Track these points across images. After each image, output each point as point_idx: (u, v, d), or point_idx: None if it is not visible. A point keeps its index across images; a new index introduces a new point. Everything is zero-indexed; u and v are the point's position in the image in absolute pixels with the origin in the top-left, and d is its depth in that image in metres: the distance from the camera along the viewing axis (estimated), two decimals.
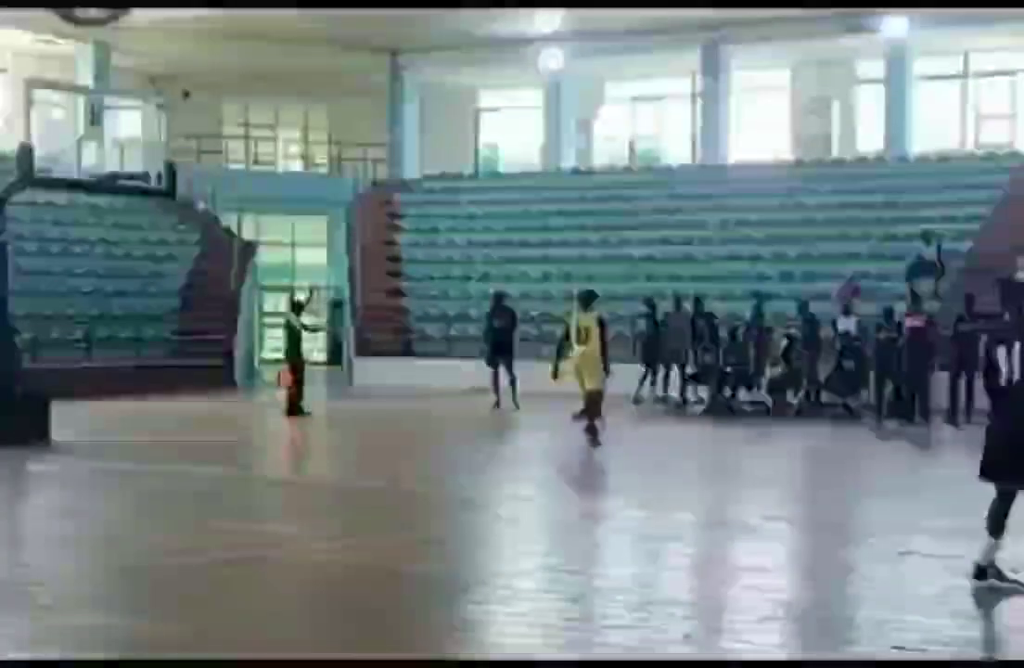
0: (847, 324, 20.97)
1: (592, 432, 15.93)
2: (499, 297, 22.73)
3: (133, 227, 29.61)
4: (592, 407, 16.08)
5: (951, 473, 14.37)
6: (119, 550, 9.52)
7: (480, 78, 35.55)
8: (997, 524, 7.98)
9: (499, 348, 21.77)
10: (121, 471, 14.05)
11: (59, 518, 11.19)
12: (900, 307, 20.74)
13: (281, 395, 20.43)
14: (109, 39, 30.99)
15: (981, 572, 7.98)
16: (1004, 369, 7.93)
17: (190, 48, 32.13)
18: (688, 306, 22.70)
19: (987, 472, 8.02)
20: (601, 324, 16.23)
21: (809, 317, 21.45)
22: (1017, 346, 7.95)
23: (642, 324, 23.21)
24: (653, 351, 22.68)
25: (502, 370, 21.63)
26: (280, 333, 35.81)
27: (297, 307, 20.88)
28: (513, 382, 21.46)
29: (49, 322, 24.39)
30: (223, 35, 31.36)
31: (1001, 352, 7.98)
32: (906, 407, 19.38)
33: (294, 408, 19.86)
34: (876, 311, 20.94)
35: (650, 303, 23.14)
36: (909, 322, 19.72)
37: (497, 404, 21.22)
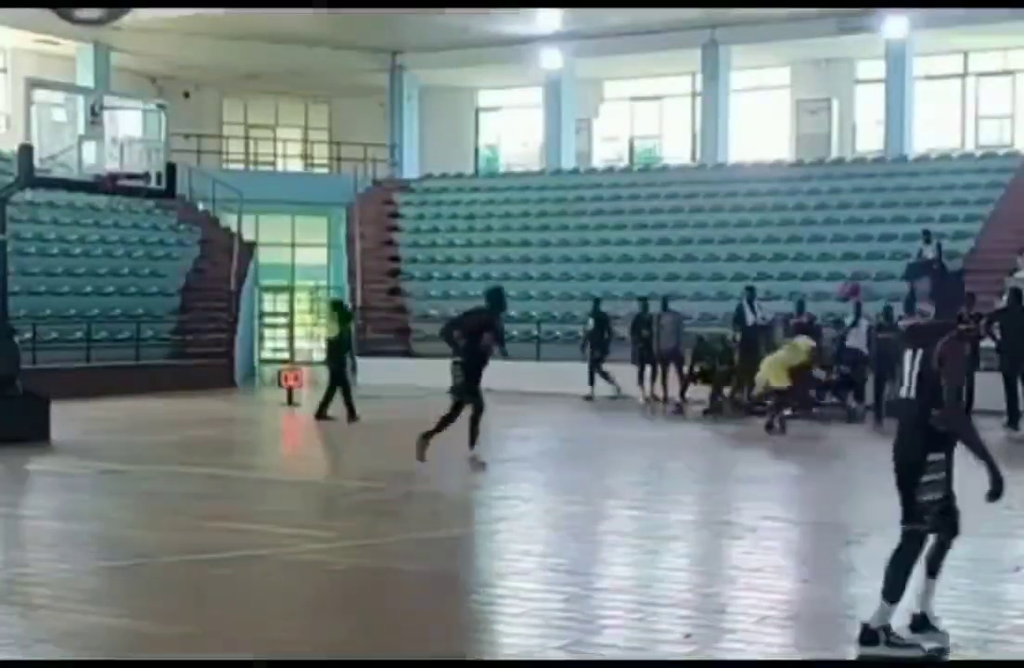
0: (858, 330, 20.68)
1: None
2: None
3: (133, 227, 29.60)
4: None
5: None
6: (119, 550, 9.52)
7: (480, 78, 35.54)
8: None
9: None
10: (121, 471, 14.04)
11: (59, 518, 11.20)
12: (899, 308, 20.75)
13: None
14: (109, 39, 30.97)
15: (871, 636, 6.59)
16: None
17: (190, 48, 32.11)
18: (674, 307, 22.87)
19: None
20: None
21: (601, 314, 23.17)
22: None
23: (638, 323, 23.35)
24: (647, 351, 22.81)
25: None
26: (280, 333, 36.38)
27: (343, 310, 20.34)
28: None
29: (49, 322, 24.38)
30: (223, 35, 31.35)
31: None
32: None
33: (323, 410, 19.32)
34: (876, 310, 20.94)
35: (644, 304, 23.26)
36: (909, 321, 19.67)
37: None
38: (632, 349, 23.15)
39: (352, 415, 19.16)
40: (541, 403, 22.81)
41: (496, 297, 14.47)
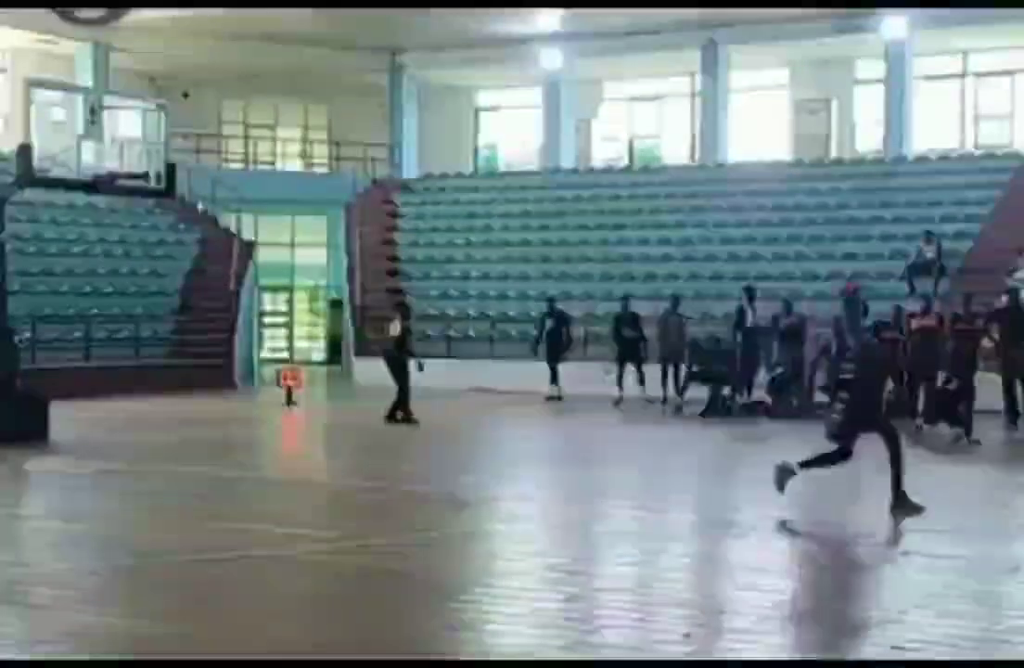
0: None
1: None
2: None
3: (133, 227, 29.59)
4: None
5: (951, 472, 14.40)
6: (119, 550, 9.52)
7: (480, 78, 35.56)
8: None
9: None
10: (120, 471, 14.04)
11: (58, 518, 11.19)
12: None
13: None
14: (109, 39, 30.98)
15: None
16: None
17: (190, 48, 32.12)
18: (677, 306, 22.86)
19: None
20: None
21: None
22: None
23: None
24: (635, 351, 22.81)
25: None
26: (280, 333, 36.38)
27: (406, 309, 20.14)
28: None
29: (49, 322, 24.36)
30: (223, 35, 31.36)
31: None
32: (906, 407, 19.31)
33: (408, 415, 18.97)
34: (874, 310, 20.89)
35: (625, 303, 23.29)
36: (921, 321, 19.65)
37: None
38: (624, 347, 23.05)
39: (397, 416, 18.87)
40: (541, 402, 22.80)
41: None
